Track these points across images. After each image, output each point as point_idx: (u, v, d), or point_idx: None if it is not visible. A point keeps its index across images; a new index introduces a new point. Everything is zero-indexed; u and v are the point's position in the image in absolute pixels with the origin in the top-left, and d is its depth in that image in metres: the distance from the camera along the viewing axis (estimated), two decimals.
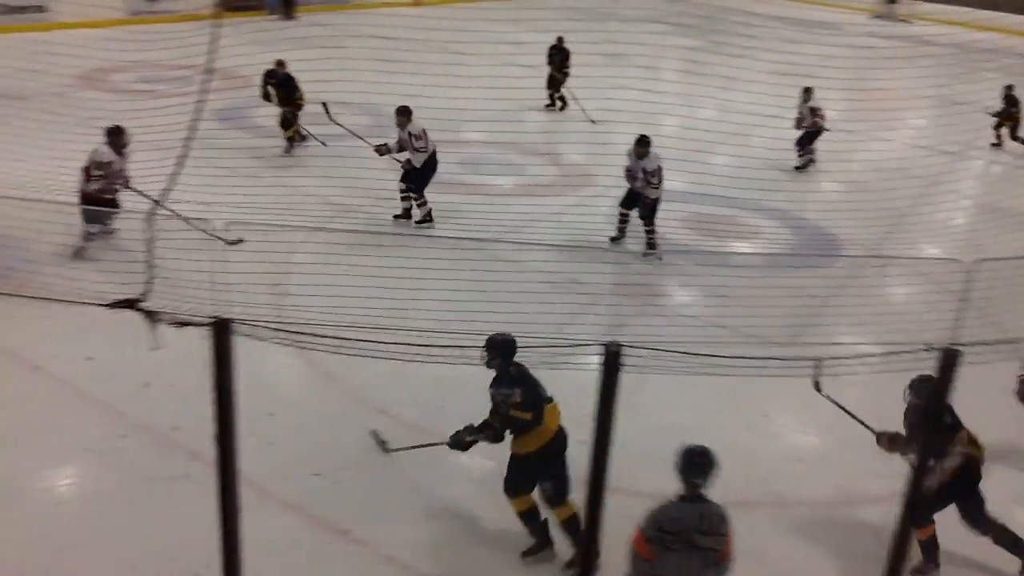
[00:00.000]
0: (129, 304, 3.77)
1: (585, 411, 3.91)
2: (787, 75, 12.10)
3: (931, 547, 5.24)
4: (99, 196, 8.33)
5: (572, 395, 5.01)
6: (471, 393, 5.35)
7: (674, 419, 6.30)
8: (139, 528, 5.29)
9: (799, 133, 13.07)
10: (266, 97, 12.39)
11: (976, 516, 5.18)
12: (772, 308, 7.02)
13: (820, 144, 13.04)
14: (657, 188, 9.50)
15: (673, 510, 3.89)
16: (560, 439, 5.12)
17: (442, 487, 5.89)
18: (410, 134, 9.85)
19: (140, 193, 8.06)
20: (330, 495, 5.67)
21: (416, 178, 10.01)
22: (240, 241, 6.59)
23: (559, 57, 15.52)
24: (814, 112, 12.95)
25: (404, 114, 9.90)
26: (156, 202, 5.78)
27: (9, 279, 7.48)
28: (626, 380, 3.61)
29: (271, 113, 12.60)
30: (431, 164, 10.02)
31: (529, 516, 5.25)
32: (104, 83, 14.66)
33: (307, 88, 11.97)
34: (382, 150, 10.14)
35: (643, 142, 9.57)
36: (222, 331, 3.74)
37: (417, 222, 10.10)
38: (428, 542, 5.42)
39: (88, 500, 5.60)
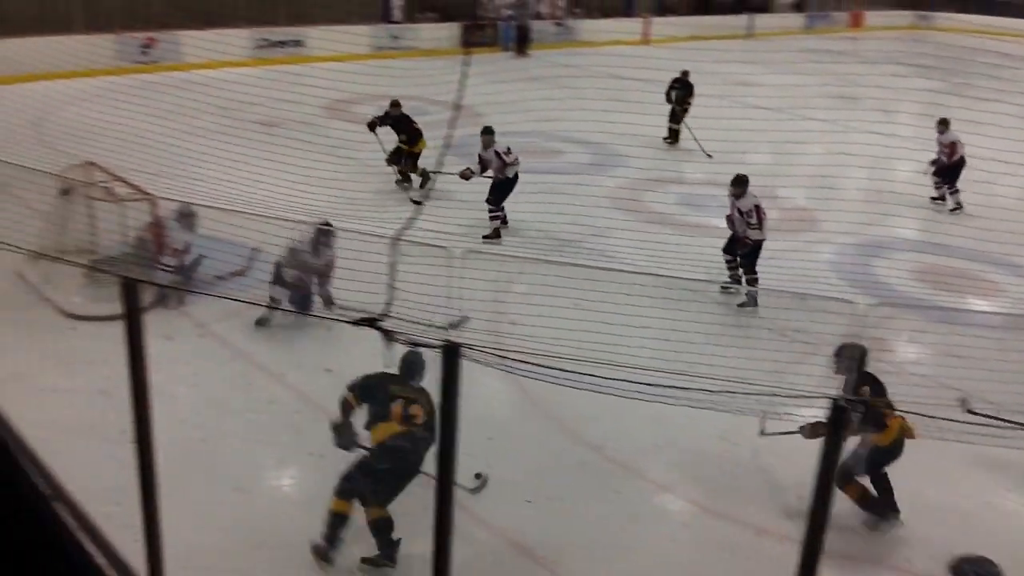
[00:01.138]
0: (370, 323, 4.03)
1: (803, 468, 3.81)
2: None
3: (869, 502, 5.66)
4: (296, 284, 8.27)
5: (785, 449, 4.88)
6: (690, 434, 5.33)
7: (911, 486, 5.97)
8: (355, 532, 5.60)
9: (934, 168, 12.53)
10: (372, 128, 12.27)
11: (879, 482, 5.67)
12: (1013, 373, 6.54)
13: None
14: (758, 229, 9.08)
15: None
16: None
17: (648, 528, 5.87)
18: (497, 153, 10.55)
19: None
20: (537, 524, 5.79)
21: (501, 191, 10.58)
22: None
23: (683, 91, 15.14)
24: (943, 145, 12.45)
25: (489, 134, 10.66)
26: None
27: (254, 291, 8.17)
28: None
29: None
30: (515, 178, 10.65)
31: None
32: (347, 113, 15.73)
33: (535, 119, 12.28)
34: (466, 174, 10.69)
35: (739, 181, 9.22)
36: (452, 355, 3.94)
37: (485, 236, 10.38)
38: None
39: (307, 502, 5.99)
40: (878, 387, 5.56)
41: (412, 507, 5.52)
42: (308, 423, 6.55)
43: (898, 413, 5.44)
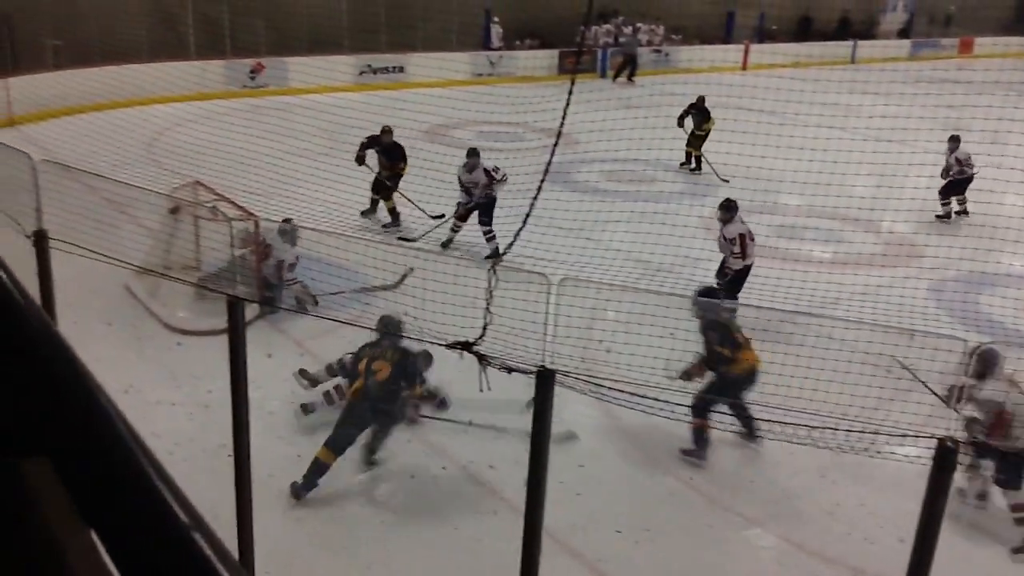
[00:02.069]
0: (466, 346, 4.07)
1: (903, 509, 3.67)
2: None
3: (701, 438, 6.50)
4: None
5: (890, 487, 4.72)
6: (787, 469, 5.20)
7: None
8: (444, 553, 5.63)
9: (944, 183, 13.02)
10: (359, 160, 11.61)
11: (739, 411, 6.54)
12: None
13: None
14: (740, 257, 8.87)
15: None
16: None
17: (738, 564, 5.75)
18: (486, 171, 10.57)
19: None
20: (626, 555, 5.72)
21: (491, 210, 10.55)
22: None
23: (700, 117, 14.87)
24: (960, 162, 12.80)
25: (475, 156, 10.76)
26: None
27: (350, 309, 8.31)
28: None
29: (592, 170, 13.04)
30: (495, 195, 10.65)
31: None
32: (444, 138, 15.97)
33: (631, 146, 12.24)
34: (461, 212, 10.85)
35: (727, 207, 9.04)
36: (546, 381, 3.94)
37: (487, 257, 10.27)
38: None
39: (402, 519, 6.04)
40: (724, 330, 6.59)
41: (496, 534, 5.53)
42: (399, 444, 6.62)
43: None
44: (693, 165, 15.33)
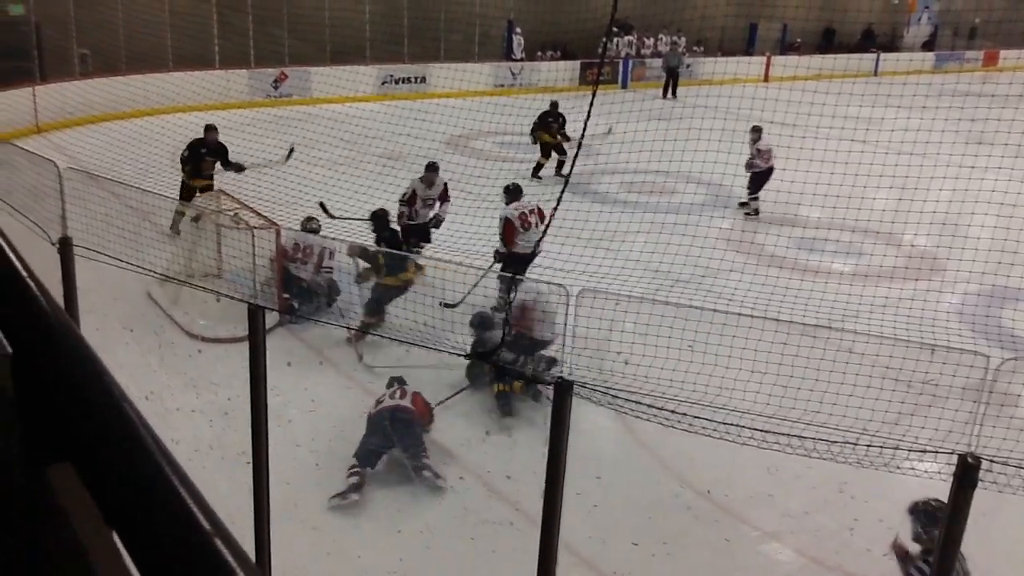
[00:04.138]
0: (485, 356, 4.08)
1: None
2: None
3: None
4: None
5: (907, 504, 4.68)
6: (805, 483, 5.17)
7: None
8: (461, 563, 5.64)
9: (748, 175, 13.29)
10: (184, 163, 11.32)
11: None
12: None
13: None
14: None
15: None
16: None
17: None
18: (446, 186, 10.54)
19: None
20: (643, 568, 5.70)
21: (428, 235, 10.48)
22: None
23: (556, 124, 14.88)
24: (760, 153, 13.00)
25: (434, 170, 10.52)
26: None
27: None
28: (980, 498, 3.33)
29: (612, 181, 13.02)
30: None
31: None
32: (466, 148, 16.03)
33: (651, 157, 12.22)
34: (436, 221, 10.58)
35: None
36: (563, 391, 3.95)
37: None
38: None
39: (419, 529, 6.05)
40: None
41: (513, 545, 5.53)
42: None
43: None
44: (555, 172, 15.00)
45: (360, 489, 6.19)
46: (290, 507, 5.85)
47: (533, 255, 7.81)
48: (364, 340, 8.25)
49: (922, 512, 4.72)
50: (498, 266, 8.77)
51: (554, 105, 15.21)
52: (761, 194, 13.44)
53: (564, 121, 14.95)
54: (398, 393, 6.60)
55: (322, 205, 10.11)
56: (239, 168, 11.43)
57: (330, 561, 5.68)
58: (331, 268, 9.20)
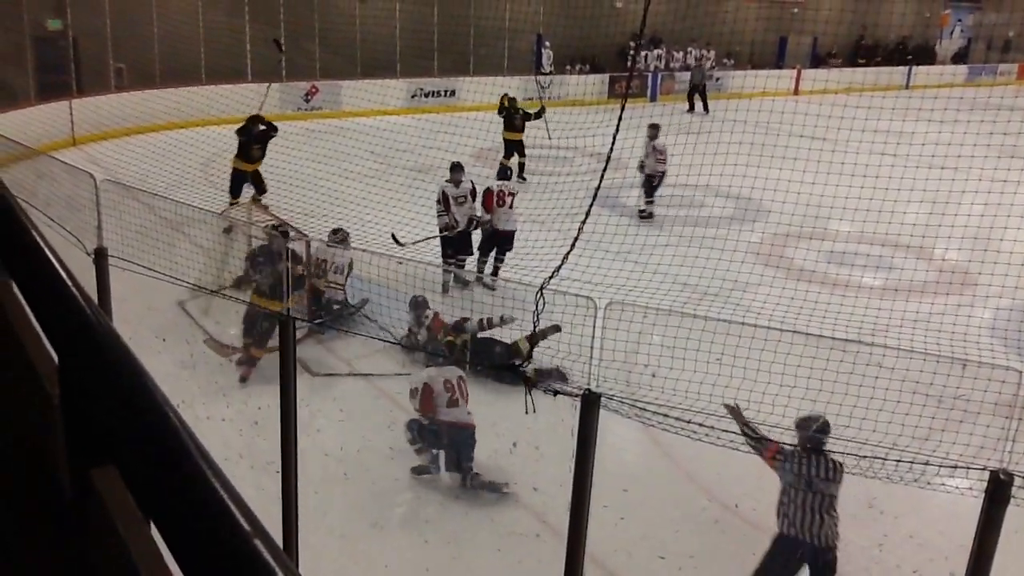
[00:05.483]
0: (512, 368, 4.10)
1: (954, 542, 3.61)
2: None
3: None
4: None
5: (940, 519, 4.64)
6: None
7: None
8: (488, 574, 5.64)
9: (642, 177, 13.33)
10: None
11: None
12: None
13: None
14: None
15: None
16: None
17: None
18: (472, 183, 10.72)
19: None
20: None
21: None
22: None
23: (520, 119, 15.41)
24: (656, 151, 12.96)
25: (460, 170, 10.63)
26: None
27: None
28: (1011, 515, 3.30)
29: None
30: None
31: None
32: (495, 161, 16.08)
33: (679, 172, 12.23)
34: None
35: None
36: (591, 404, 3.96)
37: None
38: None
39: (446, 540, 6.06)
40: None
41: (539, 557, 5.53)
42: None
43: None
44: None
45: (437, 462, 6.49)
46: (318, 515, 5.89)
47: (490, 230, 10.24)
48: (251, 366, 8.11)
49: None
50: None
51: (511, 101, 15.85)
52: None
53: (525, 114, 15.70)
54: (459, 398, 6.49)
55: (393, 236, 10.25)
56: (272, 129, 12.41)
57: (357, 569, 5.71)
58: (339, 284, 9.15)
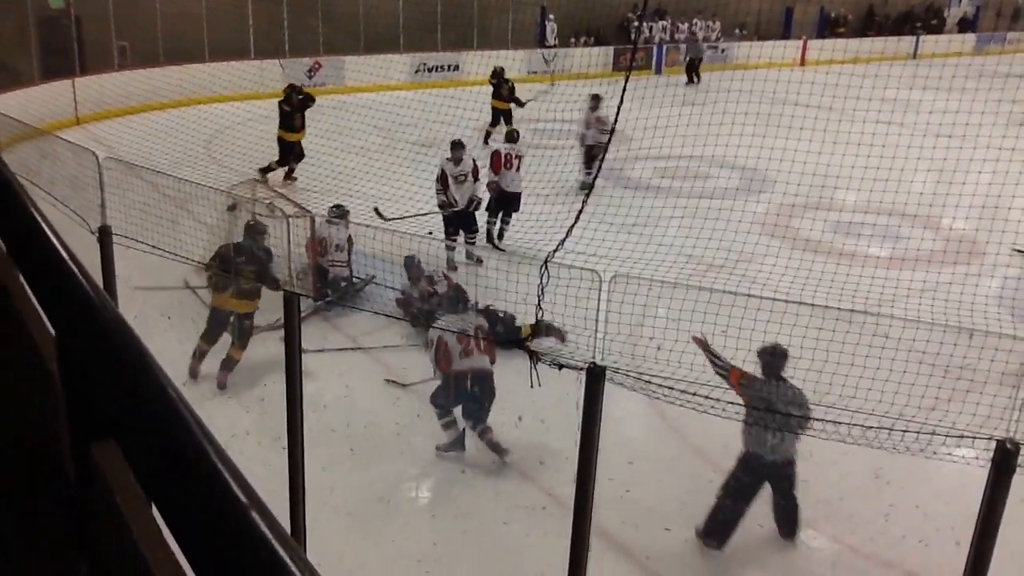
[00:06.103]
0: (518, 343, 4.10)
1: (961, 511, 3.62)
2: None
3: None
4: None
5: (947, 489, 4.64)
6: (839, 469, 5.15)
7: None
8: (493, 548, 5.68)
9: (583, 149, 13.18)
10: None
11: None
12: None
13: None
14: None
15: None
16: None
17: (792, 563, 5.70)
18: (474, 160, 10.70)
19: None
20: (676, 553, 5.70)
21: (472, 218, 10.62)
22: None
23: (505, 88, 15.92)
24: (599, 121, 12.72)
25: (461, 147, 10.62)
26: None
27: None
28: (1017, 485, 3.30)
29: (645, 166, 12.93)
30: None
31: None
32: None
33: (685, 143, 12.13)
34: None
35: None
36: (596, 377, 3.96)
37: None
38: None
39: (452, 513, 6.10)
40: None
41: (545, 530, 5.56)
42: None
43: None
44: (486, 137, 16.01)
45: (463, 442, 6.57)
46: (325, 491, 5.92)
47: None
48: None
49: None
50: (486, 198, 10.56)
51: (499, 72, 16.37)
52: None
53: (512, 87, 16.25)
54: (473, 348, 6.43)
55: (376, 210, 10.17)
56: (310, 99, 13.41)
57: (365, 545, 5.74)
58: (339, 262, 9.15)
